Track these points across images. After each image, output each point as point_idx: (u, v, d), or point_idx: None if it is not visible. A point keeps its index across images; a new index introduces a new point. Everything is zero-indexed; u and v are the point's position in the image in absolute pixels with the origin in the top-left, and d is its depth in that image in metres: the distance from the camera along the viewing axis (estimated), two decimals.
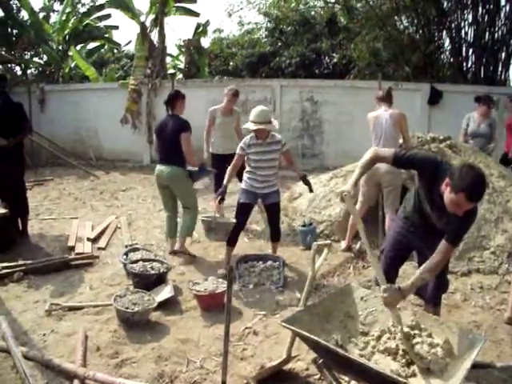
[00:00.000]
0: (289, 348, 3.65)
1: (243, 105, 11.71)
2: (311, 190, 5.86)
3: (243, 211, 5.59)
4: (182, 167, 5.92)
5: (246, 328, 4.39)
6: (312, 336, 3.00)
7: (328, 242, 3.84)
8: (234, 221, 5.57)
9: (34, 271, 5.67)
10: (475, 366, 3.16)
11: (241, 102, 11.67)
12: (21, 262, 5.83)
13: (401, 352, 3.18)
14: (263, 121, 5.31)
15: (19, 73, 17.64)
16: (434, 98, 11.13)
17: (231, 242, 5.63)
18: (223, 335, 4.05)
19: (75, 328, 4.38)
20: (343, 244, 6.40)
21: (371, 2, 15.56)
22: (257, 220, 7.44)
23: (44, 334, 4.33)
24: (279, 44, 20.13)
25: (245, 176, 5.63)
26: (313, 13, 19.20)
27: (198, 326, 4.43)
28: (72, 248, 6.46)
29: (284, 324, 3.17)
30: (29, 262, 5.85)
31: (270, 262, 5.63)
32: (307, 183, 5.76)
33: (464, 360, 2.94)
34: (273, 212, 5.81)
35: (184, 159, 5.92)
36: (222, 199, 5.49)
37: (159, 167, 6.00)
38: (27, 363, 3.77)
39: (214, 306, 4.69)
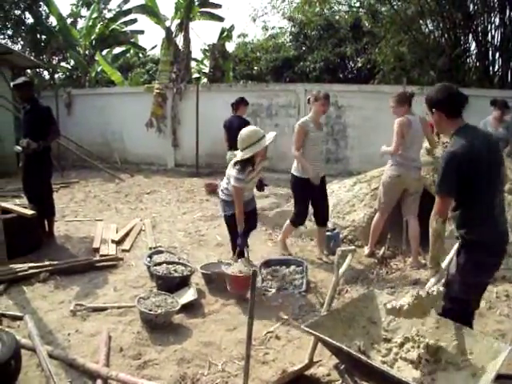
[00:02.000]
0: (311, 353, 3.63)
1: (267, 109, 11.75)
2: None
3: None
4: None
5: (269, 332, 4.37)
6: (334, 341, 2.98)
7: (352, 247, 3.83)
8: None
9: (60, 272, 5.75)
10: (499, 377, 3.10)
11: (265, 107, 11.72)
12: (47, 263, 5.93)
13: (423, 361, 3.15)
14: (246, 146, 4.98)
15: (47, 77, 17.99)
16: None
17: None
18: (245, 339, 4.08)
19: (99, 328, 4.42)
20: (366, 250, 6.35)
21: (396, 6, 15.46)
22: (281, 224, 7.41)
23: (68, 334, 4.38)
24: (303, 48, 20.14)
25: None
26: (337, 17, 19.17)
27: (220, 330, 4.43)
28: (97, 250, 6.53)
29: (307, 329, 3.16)
30: (55, 262, 5.94)
31: (292, 267, 5.61)
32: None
33: (488, 370, 2.90)
34: None
35: None
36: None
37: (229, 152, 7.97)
38: (52, 362, 3.82)
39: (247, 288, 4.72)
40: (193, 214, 8.50)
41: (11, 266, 5.85)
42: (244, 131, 5.02)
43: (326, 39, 19.00)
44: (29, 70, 16.82)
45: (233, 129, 7.75)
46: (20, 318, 4.68)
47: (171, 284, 4.93)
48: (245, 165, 4.96)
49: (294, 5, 18.59)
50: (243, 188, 5.05)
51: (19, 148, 6.56)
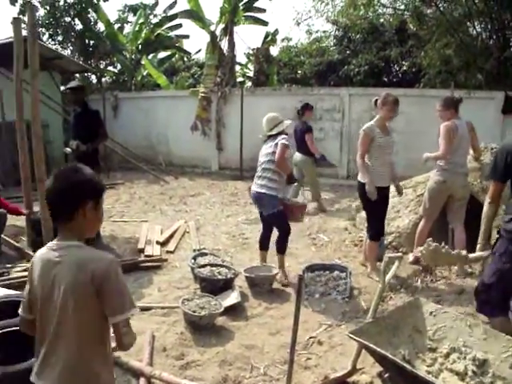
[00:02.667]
0: (354, 360, 3.60)
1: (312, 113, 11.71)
2: None
3: None
4: (307, 155, 8.56)
5: (311, 337, 4.34)
6: (379, 349, 2.96)
7: (399, 254, 3.79)
8: (277, 271, 5.47)
9: None
10: None
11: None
12: None
13: (470, 373, 3.08)
14: (273, 126, 5.68)
15: (95, 81, 18.38)
16: (509, 107, 10.74)
17: None
18: (288, 343, 4.05)
19: (143, 328, 4.47)
20: (411, 257, 6.20)
21: (442, 8, 15.14)
22: (324, 229, 7.40)
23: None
24: (348, 52, 19.97)
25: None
26: (382, 20, 18.91)
27: (263, 333, 4.43)
28: (142, 250, 6.63)
29: (351, 335, 3.15)
30: None
31: (336, 272, 5.56)
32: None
33: None
34: None
35: (309, 150, 8.52)
36: None
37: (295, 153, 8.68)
38: None
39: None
40: (237, 217, 8.55)
41: None
42: (269, 116, 5.77)
43: (370, 43, 18.81)
44: (77, 74, 17.26)
45: (297, 133, 8.64)
46: None
47: (215, 286, 4.96)
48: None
49: (338, 8, 18.52)
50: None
51: (69, 150, 6.73)
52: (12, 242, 7.04)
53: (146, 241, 6.94)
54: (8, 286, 5.38)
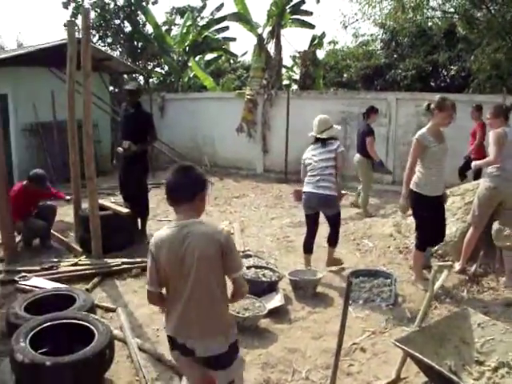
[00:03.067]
0: (399, 369, 3.58)
1: (358, 117, 11.60)
2: None
3: None
4: (365, 157, 8.65)
5: (354, 344, 4.32)
6: (426, 359, 2.93)
7: (449, 263, 3.75)
8: (321, 275, 5.52)
9: None
10: None
11: (355, 115, 11.60)
12: (139, 260, 6.20)
13: None
14: (324, 128, 5.77)
15: (142, 82, 18.70)
16: None
17: None
18: (331, 348, 4.06)
19: None
20: (457, 266, 6.05)
21: (493, 11, 14.78)
22: (369, 235, 7.35)
23: (157, 329, 4.57)
24: (395, 56, 19.70)
25: None
26: (430, 23, 18.59)
27: (305, 337, 4.43)
28: None
29: (397, 343, 3.12)
30: (146, 259, 6.17)
31: (381, 279, 5.50)
32: None
33: None
34: None
35: (367, 152, 8.61)
36: None
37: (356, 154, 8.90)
38: (141, 355, 4.02)
39: None
40: (281, 220, 8.55)
41: (106, 260, 6.19)
42: (322, 118, 5.84)
43: (418, 46, 18.50)
44: (125, 75, 17.62)
45: (359, 135, 8.92)
46: (113, 310, 4.95)
47: (259, 288, 4.99)
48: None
49: (385, 11, 18.28)
50: None
51: (121, 149, 6.88)
52: (60, 236, 7.27)
53: None
54: (57, 280, 5.57)
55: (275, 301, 4.88)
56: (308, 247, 5.97)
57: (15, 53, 12.88)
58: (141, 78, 19.47)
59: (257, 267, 5.34)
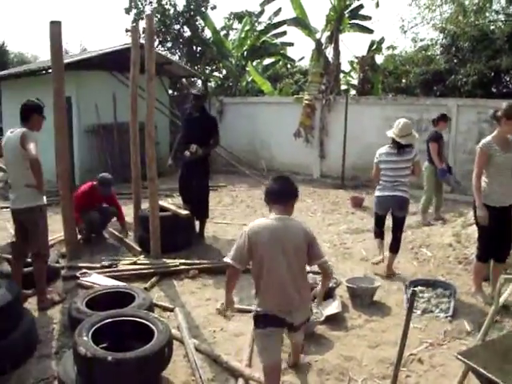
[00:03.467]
0: (460, 383, 3.49)
1: (417, 124, 11.41)
2: None
3: None
4: (430, 163, 8.41)
5: (411, 354, 4.22)
6: (491, 375, 2.83)
7: None
8: (379, 284, 5.46)
9: (208, 271, 6.09)
10: None
11: (415, 122, 11.40)
12: (196, 261, 6.31)
13: None
14: (405, 134, 5.77)
15: (200, 86, 18.99)
16: None
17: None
18: (388, 358, 4.02)
19: (243, 330, 4.59)
20: None
21: None
22: (428, 244, 7.20)
23: (214, 331, 4.63)
24: (455, 61, 19.21)
25: None
26: (492, 27, 18.04)
27: (362, 345, 4.38)
28: None
29: (460, 357, 3.03)
30: (204, 261, 6.30)
31: (440, 289, 5.38)
32: None
33: None
34: None
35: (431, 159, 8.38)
36: None
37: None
38: (198, 355, 4.06)
39: None
40: (338, 226, 8.48)
41: (164, 260, 6.30)
42: (405, 122, 5.86)
43: (479, 51, 17.92)
44: (184, 79, 17.93)
45: (427, 141, 8.59)
46: (170, 310, 5.04)
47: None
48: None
49: (445, 15, 17.85)
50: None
51: (188, 153, 6.97)
52: (120, 236, 7.47)
53: None
54: (116, 278, 5.72)
55: (332, 307, 4.84)
56: (379, 233, 6.34)
57: (79, 57, 13.38)
58: (199, 82, 19.80)
59: (314, 273, 5.30)
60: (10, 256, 5.79)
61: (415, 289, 3.44)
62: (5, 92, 16.46)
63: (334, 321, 4.77)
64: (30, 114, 4.98)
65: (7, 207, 9.42)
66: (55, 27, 6.14)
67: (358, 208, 9.81)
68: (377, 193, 6.07)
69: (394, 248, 6.10)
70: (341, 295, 5.29)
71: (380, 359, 4.13)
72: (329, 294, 5.01)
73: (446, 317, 4.96)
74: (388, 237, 6.25)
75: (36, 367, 4.00)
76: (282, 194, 3.42)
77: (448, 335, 4.63)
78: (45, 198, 5.11)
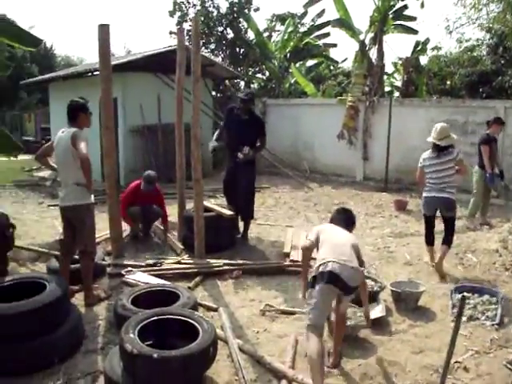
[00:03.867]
0: None
1: (463, 127, 11.21)
2: None
3: None
4: (480, 167, 8.37)
5: (457, 362, 4.12)
6: None
7: None
8: (424, 288, 5.38)
9: (251, 271, 6.11)
10: None
11: (460, 124, 11.20)
12: (240, 262, 6.35)
13: None
14: (443, 136, 6.05)
15: (248, 89, 19.08)
16: None
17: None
18: (432, 364, 3.97)
19: (286, 331, 4.59)
20: None
21: None
22: (473, 249, 7.06)
23: (257, 332, 4.64)
24: (502, 62, 18.72)
25: None
26: None
27: (406, 350, 4.31)
28: (287, 255, 6.75)
29: (509, 366, 2.99)
30: (248, 262, 6.33)
31: (486, 296, 5.25)
32: None
33: None
34: None
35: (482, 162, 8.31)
36: None
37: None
38: (241, 355, 4.08)
39: None
40: (381, 230, 8.39)
41: (208, 260, 6.36)
42: (443, 126, 6.14)
43: None
44: (227, 81, 18.04)
45: (479, 144, 8.56)
46: (214, 310, 5.07)
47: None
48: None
49: (492, 14, 17.39)
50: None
51: (241, 155, 7.00)
52: (165, 235, 7.56)
53: (291, 245, 7.05)
54: (160, 276, 5.80)
55: (376, 311, 4.79)
56: (430, 239, 6.48)
57: (125, 59, 13.62)
58: (242, 83, 19.91)
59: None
60: (58, 253, 5.97)
61: (465, 294, 3.37)
62: (52, 93, 16.96)
63: (378, 325, 4.72)
64: (77, 114, 5.11)
65: (55, 205, 9.75)
66: (104, 30, 6.27)
67: (401, 211, 9.68)
68: (424, 194, 6.35)
69: (446, 241, 6.31)
70: (385, 299, 5.22)
71: (424, 365, 4.05)
72: (373, 298, 4.97)
73: (493, 324, 4.84)
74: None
75: (82, 362, 4.09)
76: (343, 222, 4.34)
77: (494, 343, 4.50)
78: (93, 196, 5.22)
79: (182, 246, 7.02)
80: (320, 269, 3.80)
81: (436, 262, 6.24)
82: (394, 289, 5.25)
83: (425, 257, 6.72)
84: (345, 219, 4.38)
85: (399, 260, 6.71)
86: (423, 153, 6.42)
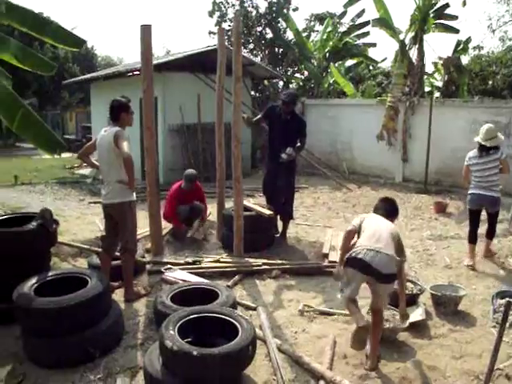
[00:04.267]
0: None
1: (506, 128, 10.95)
2: None
3: None
4: None
5: (498, 369, 4.00)
6: None
7: None
8: (465, 292, 5.29)
9: (290, 271, 6.11)
10: None
11: (503, 125, 10.95)
12: (279, 261, 6.36)
13: None
14: (490, 137, 6.40)
15: (281, 87, 19.10)
16: None
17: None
18: (473, 371, 3.92)
19: (325, 332, 4.59)
20: None
21: None
22: None
23: (296, 332, 4.64)
24: None
25: None
26: None
27: (445, 355, 4.25)
28: (326, 255, 6.72)
29: None
30: (286, 262, 6.34)
31: None
32: None
33: None
34: None
35: None
36: None
37: None
38: (280, 355, 4.09)
39: None
40: (421, 232, 8.27)
41: (247, 259, 6.39)
42: (490, 127, 6.46)
43: None
44: (266, 81, 18.06)
45: None
46: (253, 309, 5.10)
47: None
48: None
49: None
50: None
51: (285, 156, 6.98)
52: (202, 233, 7.64)
53: (330, 246, 7.03)
54: (199, 274, 5.86)
55: (416, 314, 4.74)
56: (473, 237, 6.69)
57: (165, 59, 13.79)
58: (281, 83, 19.90)
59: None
60: (98, 249, 6.08)
61: (510, 300, 3.30)
62: (93, 93, 17.30)
63: (417, 328, 4.68)
64: (119, 113, 5.19)
65: (95, 202, 9.95)
66: (146, 30, 6.36)
67: (441, 214, 9.53)
68: (470, 190, 6.68)
69: (490, 234, 6.84)
70: (424, 302, 5.16)
71: (465, 371, 3.99)
72: (413, 301, 4.92)
73: None
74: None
75: (122, 356, 4.16)
76: (387, 213, 4.50)
77: None
78: (134, 194, 5.31)
79: (221, 245, 7.11)
80: (353, 254, 4.01)
81: (484, 255, 6.83)
82: (433, 292, 5.18)
83: (465, 259, 6.64)
84: (387, 208, 4.55)
85: (439, 263, 6.61)
86: (469, 152, 6.75)
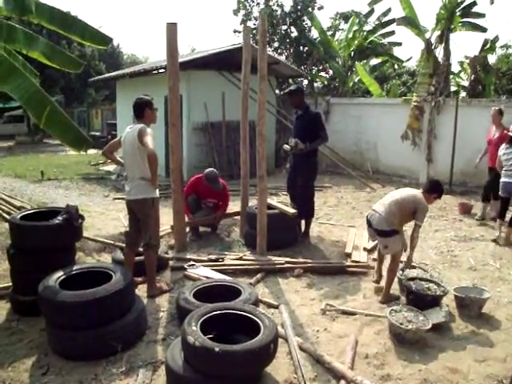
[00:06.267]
0: None
1: None
2: None
3: None
4: None
5: None
6: None
7: None
8: (489, 295, 5.20)
9: (313, 270, 6.10)
10: None
11: None
12: (302, 260, 6.36)
13: None
14: None
15: (306, 86, 19.06)
16: None
17: None
18: (496, 375, 3.86)
19: (347, 331, 4.57)
20: None
21: None
22: None
23: (317, 331, 4.63)
24: None
25: None
26: None
27: (468, 358, 4.19)
28: (349, 255, 6.72)
29: None
30: (309, 261, 6.33)
31: None
32: None
33: None
34: None
35: None
36: None
37: None
38: (301, 354, 4.09)
39: None
40: (445, 233, 8.18)
41: (269, 257, 6.41)
42: None
43: None
44: (290, 79, 18.05)
45: None
46: (275, 307, 5.10)
47: (422, 301, 4.83)
48: None
49: None
50: None
51: (287, 147, 7.02)
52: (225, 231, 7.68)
53: (353, 246, 7.02)
54: (222, 271, 5.89)
55: (439, 316, 4.69)
56: (503, 213, 7.71)
57: (190, 57, 13.87)
58: (305, 82, 19.88)
59: (421, 279, 5.19)
60: (122, 244, 6.15)
61: None
62: (119, 90, 17.47)
63: (440, 330, 4.63)
64: (143, 110, 5.24)
65: (119, 198, 10.06)
66: (172, 28, 6.42)
67: (466, 215, 9.42)
68: (502, 179, 7.58)
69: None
70: (447, 304, 5.11)
71: (488, 375, 3.93)
72: (436, 302, 4.88)
73: None
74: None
75: (144, 351, 4.20)
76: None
77: None
78: (157, 191, 5.35)
79: (243, 243, 7.15)
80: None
81: (504, 241, 7.44)
82: (457, 294, 5.12)
83: (490, 261, 6.61)
84: (425, 184, 5.50)
85: (463, 265, 6.54)
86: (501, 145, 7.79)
